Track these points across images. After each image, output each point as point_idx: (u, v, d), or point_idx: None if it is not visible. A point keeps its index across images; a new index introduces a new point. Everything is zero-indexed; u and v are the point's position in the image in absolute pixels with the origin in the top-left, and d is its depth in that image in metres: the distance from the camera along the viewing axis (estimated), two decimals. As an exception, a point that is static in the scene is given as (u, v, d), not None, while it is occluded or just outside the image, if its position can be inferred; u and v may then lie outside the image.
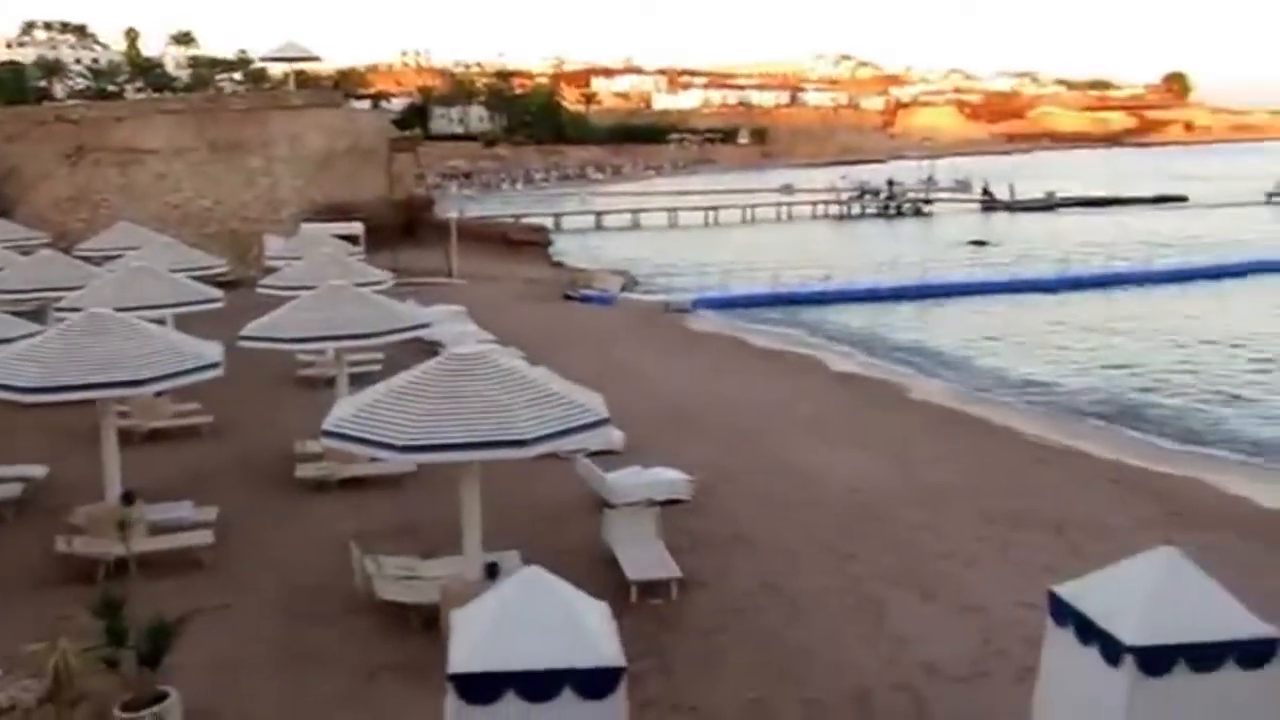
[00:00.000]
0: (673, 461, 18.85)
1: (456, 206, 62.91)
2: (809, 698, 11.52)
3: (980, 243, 64.53)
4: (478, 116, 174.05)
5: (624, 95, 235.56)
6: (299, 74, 62.94)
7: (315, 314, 19.05)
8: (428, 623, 12.57)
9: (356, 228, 39.96)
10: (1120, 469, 21.42)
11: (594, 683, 6.84)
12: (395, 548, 14.99)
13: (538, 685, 6.74)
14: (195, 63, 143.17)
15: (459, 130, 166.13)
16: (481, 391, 11.78)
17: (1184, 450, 24.02)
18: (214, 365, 15.76)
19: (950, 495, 18.62)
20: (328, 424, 12.11)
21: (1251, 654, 7.49)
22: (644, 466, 18.26)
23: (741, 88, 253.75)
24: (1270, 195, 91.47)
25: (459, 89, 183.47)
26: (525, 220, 71.49)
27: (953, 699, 11.48)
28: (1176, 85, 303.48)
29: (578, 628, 7.01)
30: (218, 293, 23.23)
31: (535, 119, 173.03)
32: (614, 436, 20.31)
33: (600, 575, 14.47)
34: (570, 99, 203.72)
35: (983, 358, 34.06)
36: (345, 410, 12.30)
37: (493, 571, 12.04)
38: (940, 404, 27.14)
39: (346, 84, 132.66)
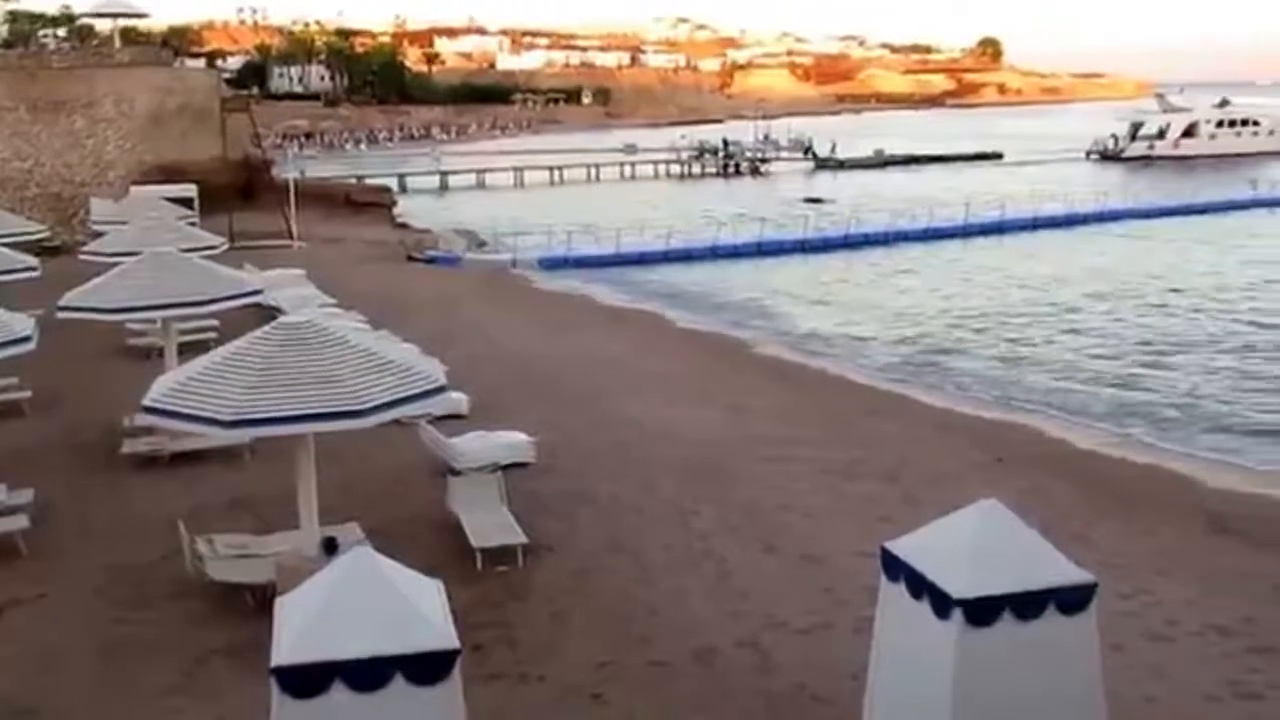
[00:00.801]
0: (519, 423, 18.72)
1: (296, 168, 60.87)
2: (656, 659, 11.57)
3: (816, 200, 65.90)
4: (318, 76, 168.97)
5: (467, 56, 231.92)
6: (126, 30, 59.83)
7: (140, 281, 18.05)
8: (263, 603, 12.15)
9: (190, 190, 38.32)
10: (948, 416, 22.25)
11: (426, 668, 6.62)
12: (231, 524, 14.49)
13: (366, 674, 6.47)
14: (13, 17, 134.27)
15: (299, 90, 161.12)
16: (313, 360, 11.38)
17: (1005, 397, 24.90)
18: (23, 340, 14.85)
19: (789, 447, 18.99)
20: (148, 399, 11.53)
21: (1070, 600, 7.77)
22: (489, 430, 18.07)
23: (583, 49, 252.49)
24: (1089, 152, 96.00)
25: (298, 47, 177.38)
26: (369, 181, 69.75)
27: (796, 651, 11.69)
28: (990, 50, 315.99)
29: (408, 611, 6.78)
30: (32, 260, 21.94)
31: (378, 79, 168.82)
32: (458, 400, 20.05)
33: (445, 543, 14.33)
34: (413, 59, 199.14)
35: (818, 312, 34.77)
36: (167, 384, 11.73)
37: (331, 546, 11.70)
38: (779, 358, 27.72)
39: (178, 41, 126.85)
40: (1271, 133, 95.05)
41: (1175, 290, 37.08)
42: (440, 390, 11.86)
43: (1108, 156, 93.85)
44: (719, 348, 28.88)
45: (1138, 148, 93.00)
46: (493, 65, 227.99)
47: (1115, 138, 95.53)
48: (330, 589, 6.83)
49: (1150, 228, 52.87)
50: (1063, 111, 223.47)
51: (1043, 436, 21.31)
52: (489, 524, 14.30)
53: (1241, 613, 12.81)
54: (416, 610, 6.85)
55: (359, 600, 6.71)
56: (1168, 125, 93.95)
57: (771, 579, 13.56)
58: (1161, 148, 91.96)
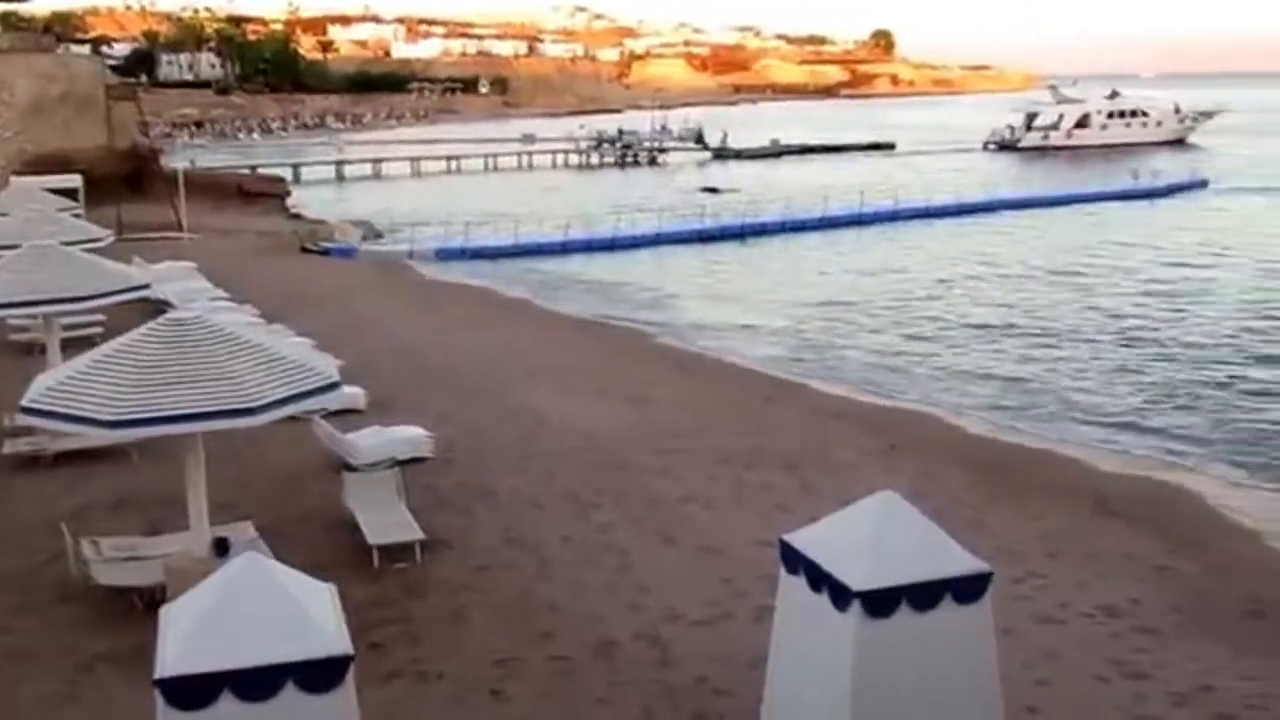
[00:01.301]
0: (417, 418, 18.49)
1: (186, 157, 59.21)
2: (556, 654, 11.49)
3: (713, 190, 66.30)
4: (209, 63, 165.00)
5: (362, 44, 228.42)
6: (6, 15, 57.60)
7: (19, 275, 17.27)
8: (151, 606, 11.75)
9: (74, 181, 36.96)
10: (844, 404, 22.54)
11: (318, 675, 6.41)
12: (118, 526, 14.01)
13: (256, 683, 6.24)
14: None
15: (189, 78, 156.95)
16: (201, 357, 11.00)
17: (900, 384, 25.22)
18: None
19: (690, 438, 19.04)
20: (26, 399, 11.03)
21: (966, 589, 7.89)
22: (386, 424, 17.80)
23: (480, 38, 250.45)
24: (987, 143, 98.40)
25: (187, 34, 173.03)
26: (262, 171, 68.13)
27: (695, 643, 11.70)
28: (883, 42, 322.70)
29: (299, 616, 6.57)
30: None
31: (270, 67, 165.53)
32: (354, 395, 19.73)
33: (342, 541, 14.07)
34: (307, 47, 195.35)
35: (717, 302, 34.93)
36: (47, 382, 11.25)
37: (222, 548, 11.37)
38: (678, 348, 27.81)
39: (61, 27, 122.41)
40: (1159, 124, 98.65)
41: (1060, 277, 38.02)
42: (334, 386, 11.57)
43: (1004, 146, 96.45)
44: (619, 339, 28.87)
45: (1033, 138, 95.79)
46: (388, 54, 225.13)
47: (1012, 128, 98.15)
48: (217, 595, 6.59)
49: (1038, 216, 54.31)
50: (953, 103, 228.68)
51: (936, 423, 21.68)
52: (386, 521, 14.05)
53: (1128, 593, 13.21)
54: (308, 615, 6.65)
55: (247, 606, 6.48)
56: (1061, 116, 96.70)
57: (672, 571, 13.56)
58: (1056, 138, 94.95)
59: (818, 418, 21.03)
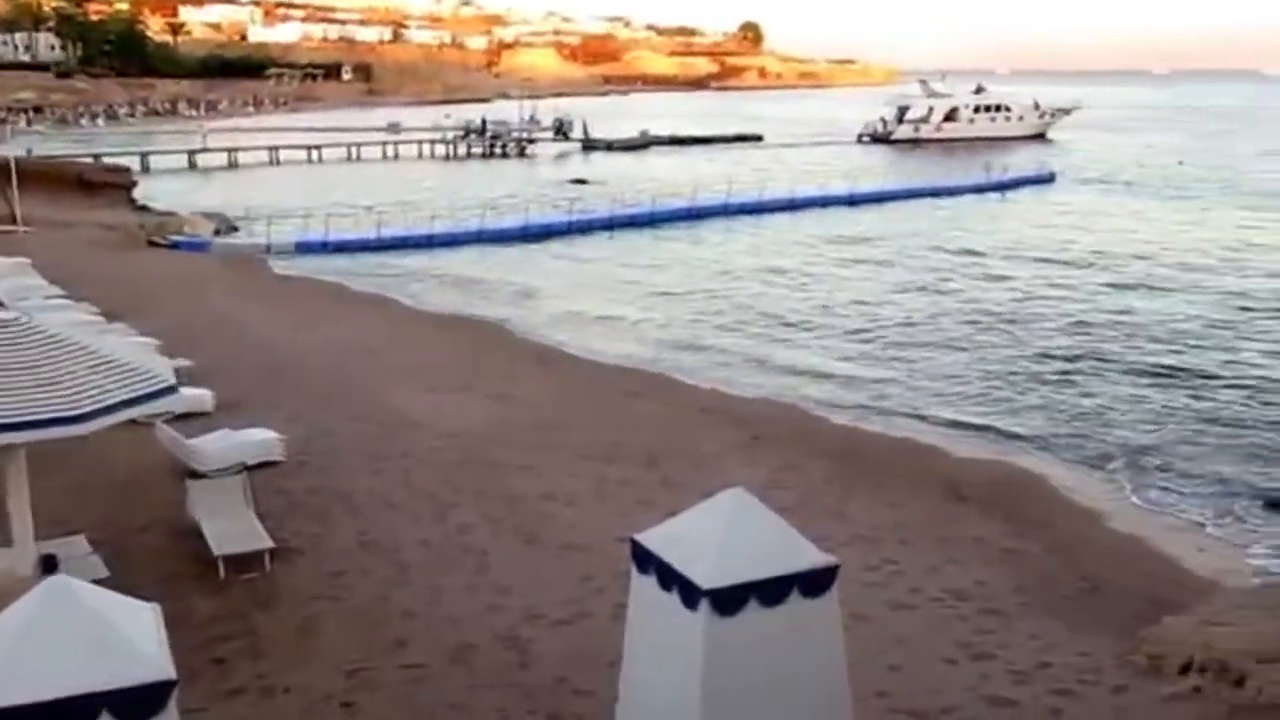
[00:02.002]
0: (270, 419, 17.94)
1: (21, 145, 56.40)
2: (411, 662, 11.22)
3: (581, 181, 66.08)
4: (47, 44, 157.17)
5: (216, 26, 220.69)
6: None
7: None
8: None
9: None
10: (707, 397, 22.66)
11: (137, 703, 6.04)
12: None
13: (67, 717, 5.89)
14: None
15: (25, 59, 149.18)
16: (23, 361, 10.45)
17: (764, 376, 25.35)
18: None
19: (552, 434, 18.89)
20: None
21: (813, 583, 7.93)
22: (235, 427, 17.21)
23: (343, 22, 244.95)
24: (861, 135, 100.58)
25: (22, 12, 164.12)
26: (106, 160, 65.32)
27: (555, 644, 11.58)
28: (751, 34, 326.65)
29: (115, 641, 6.18)
30: None
31: (116, 49, 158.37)
32: (201, 398, 19.08)
33: (186, 551, 13.54)
34: (155, 28, 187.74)
35: (583, 295, 34.73)
36: None
37: (50, 565, 10.79)
38: (542, 342, 27.59)
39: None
40: (1021, 119, 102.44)
41: (914, 271, 38.89)
42: (170, 391, 11.12)
43: (878, 139, 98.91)
44: (482, 333, 28.51)
45: (905, 130, 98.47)
46: (244, 37, 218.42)
47: (884, 121, 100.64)
48: (21, 624, 6.17)
49: (897, 209, 55.49)
50: (820, 96, 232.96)
51: (799, 415, 21.94)
52: (232, 529, 13.55)
53: (975, 576, 13.55)
54: (126, 639, 6.27)
55: (56, 633, 6.07)
56: (931, 110, 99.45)
57: (532, 570, 13.41)
58: (926, 131, 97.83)
59: (680, 411, 21.08)
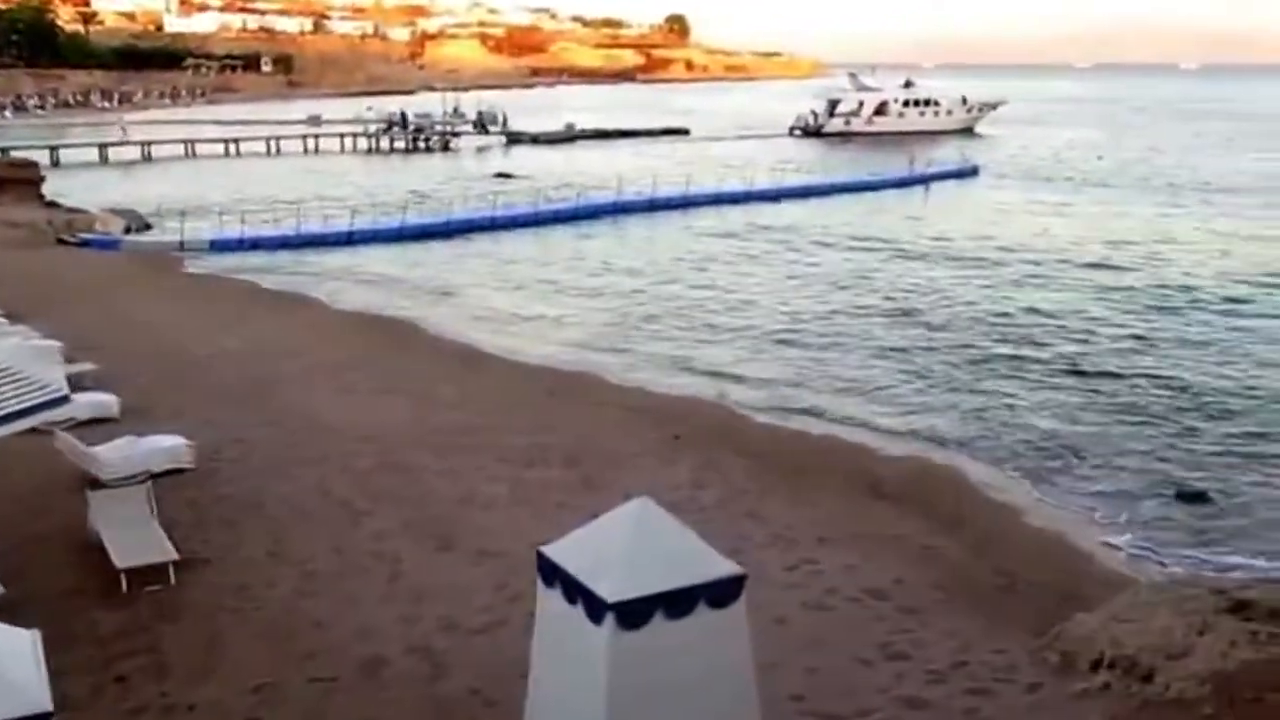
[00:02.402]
0: (180, 424, 17.48)
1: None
2: (320, 675, 10.95)
3: (505, 176, 65.52)
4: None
5: (130, 16, 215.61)
6: None
7: None
8: None
9: None
10: (629, 396, 22.51)
11: (13, 737, 5.81)
12: None
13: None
14: None
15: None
16: (-95, 375, 10.01)
17: (687, 373, 25.19)
18: None
19: (470, 436, 18.63)
20: None
21: (720, 593, 7.86)
22: (142, 433, 16.72)
23: (262, 13, 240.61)
24: (793, 128, 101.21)
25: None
26: (14, 154, 63.42)
27: (469, 653, 11.38)
28: (678, 26, 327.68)
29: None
30: None
31: (24, 38, 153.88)
32: (107, 403, 18.56)
33: (88, 564, 13.13)
34: (66, 17, 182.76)
35: (506, 292, 34.42)
36: None
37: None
38: (463, 341, 27.24)
39: None
40: (949, 113, 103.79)
41: (842, 264, 39.14)
42: (61, 401, 10.72)
43: (809, 132, 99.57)
44: (401, 334, 28.04)
45: (836, 124, 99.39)
46: (159, 27, 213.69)
47: (815, 114, 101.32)
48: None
49: (823, 204, 55.79)
50: (748, 89, 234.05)
51: (722, 413, 21.83)
52: (136, 540, 13.13)
53: (893, 575, 13.58)
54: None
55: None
56: (861, 104, 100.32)
57: (447, 578, 13.18)
58: (857, 124, 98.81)
59: (602, 410, 20.92)
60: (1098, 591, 13.13)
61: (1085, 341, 27.64)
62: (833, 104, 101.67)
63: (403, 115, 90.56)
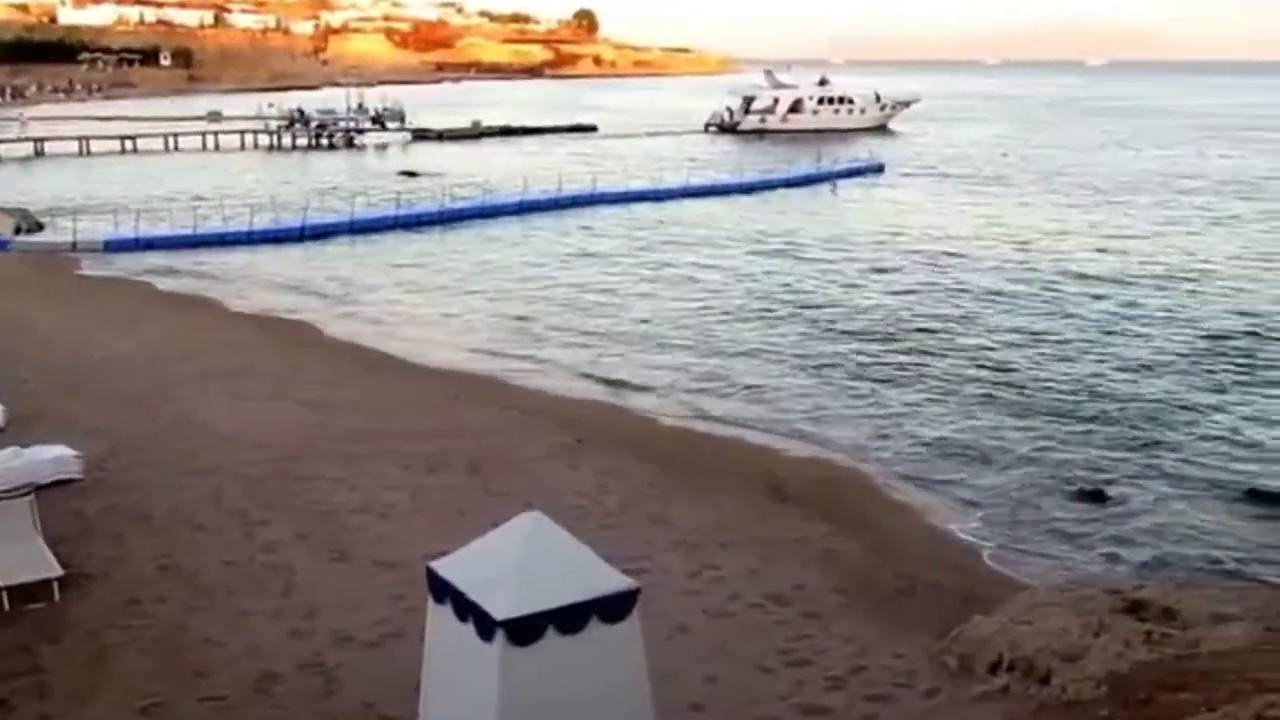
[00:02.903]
0: (68, 433, 16.77)
1: None
2: (210, 694, 10.62)
3: (410, 174, 64.70)
4: None
5: (22, 8, 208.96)
6: None
7: None
8: None
9: None
10: (535, 399, 22.34)
11: None
12: None
13: None
14: None
15: None
16: None
17: (593, 375, 25.07)
18: None
19: (370, 442, 18.29)
20: None
21: (613, 608, 7.77)
22: (27, 443, 16.05)
23: (160, 5, 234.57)
24: (708, 125, 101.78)
25: None
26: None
27: (363, 668, 11.13)
28: (586, 22, 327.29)
29: None
30: None
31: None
32: (-12, 413, 17.77)
33: (-34, 582, 12.56)
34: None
35: (411, 293, 33.97)
36: None
37: None
38: (364, 344, 26.83)
39: None
40: (864, 110, 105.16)
41: (748, 264, 39.32)
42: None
43: (725, 129, 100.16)
44: (301, 336, 27.49)
45: (751, 121, 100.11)
46: (53, 19, 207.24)
47: (730, 111, 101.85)
48: None
49: (729, 202, 56.04)
50: (656, 84, 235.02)
51: (628, 416, 21.80)
52: (17, 556, 12.60)
53: (795, 579, 13.63)
54: None
55: None
56: (776, 101, 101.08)
57: (342, 590, 12.89)
58: (772, 122, 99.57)
59: (507, 414, 20.69)
60: (996, 593, 13.32)
61: (983, 341, 28.05)
62: (748, 101, 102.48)
63: (300, 112, 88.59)
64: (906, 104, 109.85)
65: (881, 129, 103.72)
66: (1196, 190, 60.39)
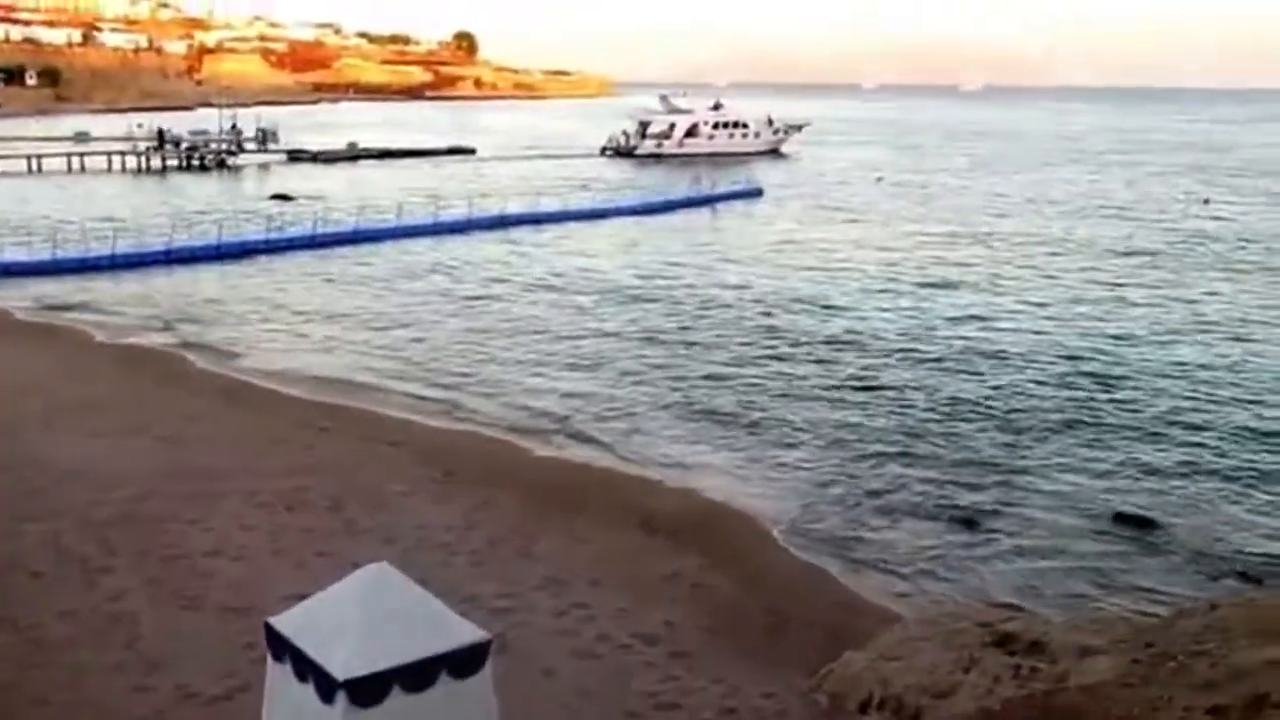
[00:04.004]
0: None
1: None
2: (36, 760, 9.93)
3: (284, 197, 62.97)
4: None
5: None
6: None
7: None
8: None
9: None
10: (403, 429, 21.68)
11: None
12: None
13: None
14: None
15: None
16: None
17: (469, 403, 24.44)
18: None
19: (228, 479, 17.52)
20: None
21: (464, 663, 7.39)
22: None
23: (27, 23, 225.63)
24: (604, 148, 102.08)
25: None
26: None
27: (206, 726, 10.53)
28: (466, 44, 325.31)
29: None
30: None
31: None
32: None
33: None
34: None
35: (280, 320, 32.79)
36: None
37: None
38: (227, 375, 25.79)
39: None
40: (758, 134, 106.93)
41: (624, 286, 39.01)
42: None
43: (621, 153, 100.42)
44: (162, 367, 26.19)
45: (648, 145, 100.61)
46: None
47: (627, 135, 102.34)
48: None
49: (611, 224, 55.74)
50: (537, 107, 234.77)
51: (498, 446, 21.28)
52: None
53: (665, 616, 13.39)
54: None
55: None
56: (672, 125, 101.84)
57: (189, 640, 12.20)
58: (669, 146, 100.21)
59: (373, 447, 20.02)
60: (868, 625, 13.24)
61: (858, 364, 27.98)
62: (644, 125, 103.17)
63: (160, 133, 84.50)
64: (799, 128, 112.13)
65: (774, 152, 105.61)
66: (1062, 214, 62.14)
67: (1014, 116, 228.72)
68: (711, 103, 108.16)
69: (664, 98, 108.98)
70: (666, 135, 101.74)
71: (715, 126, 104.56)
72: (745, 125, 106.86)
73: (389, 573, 7.61)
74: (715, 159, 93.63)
